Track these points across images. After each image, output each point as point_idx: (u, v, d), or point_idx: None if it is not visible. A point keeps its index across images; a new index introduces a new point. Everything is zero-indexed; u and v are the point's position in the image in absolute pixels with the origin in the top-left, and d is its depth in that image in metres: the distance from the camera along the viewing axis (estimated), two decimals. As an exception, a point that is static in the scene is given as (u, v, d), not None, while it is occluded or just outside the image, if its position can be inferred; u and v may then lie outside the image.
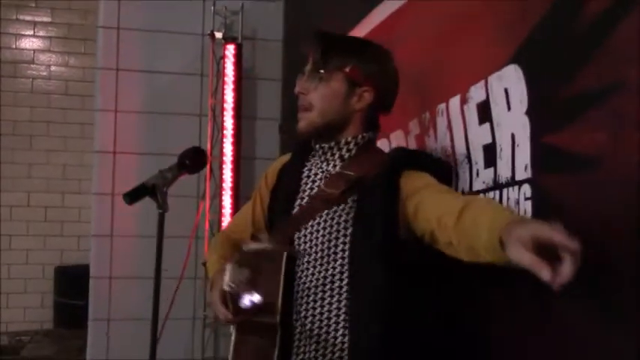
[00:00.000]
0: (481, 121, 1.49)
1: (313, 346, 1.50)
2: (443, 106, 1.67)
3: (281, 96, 3.74)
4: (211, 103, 3.56)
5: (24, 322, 5.70)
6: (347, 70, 1.51)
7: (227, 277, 1.48)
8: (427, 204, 1.36)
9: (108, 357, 3.54)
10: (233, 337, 1.63)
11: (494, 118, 1.43)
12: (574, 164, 1.18)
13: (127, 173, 3.58)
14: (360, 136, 1.55)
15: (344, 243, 1.47)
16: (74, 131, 5.82)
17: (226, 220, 3.50)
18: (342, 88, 1.52)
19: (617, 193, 1.07)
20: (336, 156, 1.55)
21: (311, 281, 1.51)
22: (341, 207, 1.50)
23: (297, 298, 1.53)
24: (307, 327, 1.51)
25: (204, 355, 3.63)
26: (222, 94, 3.52)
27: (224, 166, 3.50)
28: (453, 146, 1.64)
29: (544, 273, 0.93)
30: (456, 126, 1.61)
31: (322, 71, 1.51)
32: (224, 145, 3.51)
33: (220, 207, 3.54)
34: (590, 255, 0.94)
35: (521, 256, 0.96)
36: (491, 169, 1.44)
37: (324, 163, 1.58)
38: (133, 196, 1.92)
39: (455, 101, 1.61)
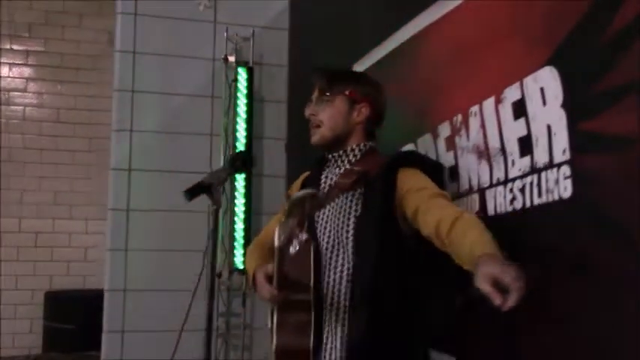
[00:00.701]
0: (516, 117, 1.73)
1: (329, 312, 1.85)
2: (476, 107, 1.92)
3: (287, 117, 3.98)
4: (224, 123, 3.77)
5: (13, 347, 5.72)
6: (347, 92, 1.93)
7: (276, 241, 1.67)
8: (426, 210, 1.72)
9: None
10: (275, 318, 1.93)
11: (530, 113, 1.67)
12: (609, 145, 1.42)
13: (142, 189, 3.74)
14: (362, 144, 1.95)
15: (352, 222, 1.84)
16: (65, 158, 5.93)
17: (239, 233, 3.69)
18: (344, 106, 1.94)
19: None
20: (345, 161, 1.95)
21: (326, 254, 1.87)
22: (351, 194, 1.88)
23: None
24: (326, 294, 1.86)
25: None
26: (234, 115, 3.73)
27: (237, 181, 3.70)
28: (486, 142, 1.87)
29: (496, 301, 1.32)
30: (490, 124, 1.85)
31: (328, 94, 1.93)
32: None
33: (231, 220, 3.72)
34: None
35: (483, 286, 1.35)
36: (528, 157, 1.68)
37: (337, 169, 1.96)
38: (192, 193, 2.11)
39: (489, 102, 1.85)
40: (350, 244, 1.84)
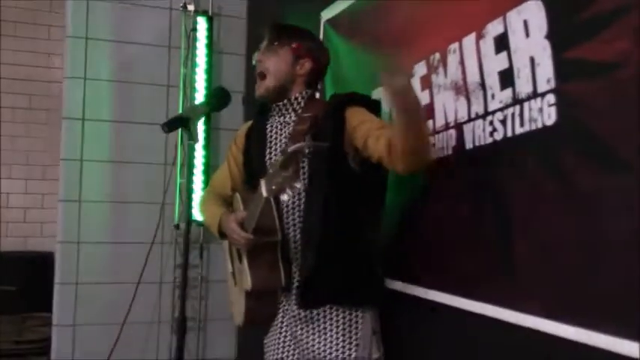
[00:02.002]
0: (498, 52, 1.77)
1: (292, 248, 2.04)
2: (455, 45, 1.95)
3: (245, 70, 3.94)
4: (183, 74, 3.70)
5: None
6: (293, 45, 2.10)
7: (264, 187, 1.70)
8: (376, 138, 1.88)
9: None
10: (245, 262, 2.03)
11: (512, 46, 1.72)
12: (594, 71, 1.47)
13: (96, 140, 3.65)
14: (304, 92, 2.12)
15: (306, 162, 1.98)
16: (5, 115, 5.70)
17: (197, 185, 3.65)
18: (289, 58, 2.10)
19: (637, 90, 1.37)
20: (290, 109, 2.11)
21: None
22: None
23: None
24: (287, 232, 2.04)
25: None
26: (192, 66, 3.67)
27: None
28: (465, 78, 1.91)
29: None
30: (470, 60, 1.89)
31: (276, 43, 2.10)
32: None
33: (189, 172, 3.67)
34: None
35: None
36: (509, 90, 1.72)
37: (281, 118, 2.12)
38: (170, 126, 2.09)
39: (469, 39, 1.88)
40: (305, 181, 1.99)
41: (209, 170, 3.69)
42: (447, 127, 2.00)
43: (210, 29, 3.68)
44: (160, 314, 3.73)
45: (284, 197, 1.69)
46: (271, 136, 2.13)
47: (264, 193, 1.72)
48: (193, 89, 3.67)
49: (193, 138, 2.06)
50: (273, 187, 1.67)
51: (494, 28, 1.79)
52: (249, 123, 2.30)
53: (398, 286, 2.18)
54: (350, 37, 2.64)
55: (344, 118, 2.00)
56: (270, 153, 2.12)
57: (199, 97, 3.67)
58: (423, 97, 2.11)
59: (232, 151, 2.31)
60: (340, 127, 1.99)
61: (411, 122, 1.74)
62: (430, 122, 2.08)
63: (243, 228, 2.00)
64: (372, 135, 1.90)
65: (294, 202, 2.03)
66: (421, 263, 2.11)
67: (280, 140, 2.11)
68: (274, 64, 2.09)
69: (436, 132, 2.05)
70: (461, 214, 1.91)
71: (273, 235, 2.00)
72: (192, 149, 2.07)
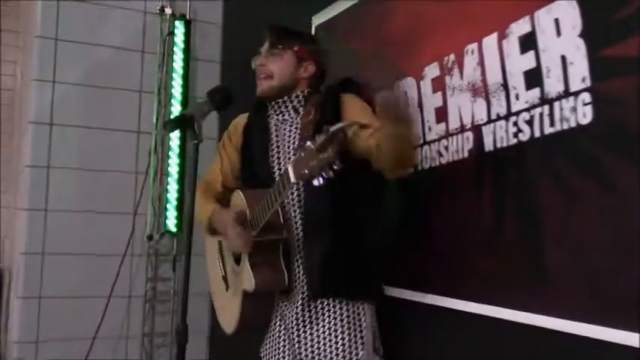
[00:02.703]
0: (523, 51, 1.75)
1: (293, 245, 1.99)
2: (473, 45, 1.92)
3: (220, 78, 3.83)
4: (158, 79, 3.57)
5: None
6: (295, 48, 2.09)
7: (292, 172, 1.61)
8: (366, 132, 1.85)
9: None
10: (247, 261, 1.96)
11: (540, 45, 1.69)
12: (636, 67, 1.45)
13: (64, 146, 3.47)
14: (306, 91, 2.09)
15: None
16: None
17: (172, 194, 3.51)
18: (292, 61, 2.09)
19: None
20: (289, 107, 2.09)
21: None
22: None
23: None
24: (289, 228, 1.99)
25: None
26: (169, 71, 3.55)
27: (170, 141, 3.52)
28: (484, 79, 1.88)
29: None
30: (490, 60, 1.86)
31: (280, 47, 2.09)
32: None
33: (162, 181, 3.55)
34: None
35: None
36: (536, 89, 1.70)
37: (280, 115, 2.10)
38: (173, 125, 1.99)
39: (490, 39, 1.85)
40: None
41: (183, 180, 3.56)
42: (462, 129, 1.96)
43: (187, 34, 3.57)
44: (128, 329, 3.55)
45: (315, 182, 1.59)
46: (272, 133, 2.11)
47: (292, 178, 1.63)
48: (170, 95, 3.55)
49: (198, 137, 1.96)
50: (306, 171, 1.57)
51: (519, 28, 1.76)
52: (244, 119, 2.25)
53: (416, 296, 2.11)
54: (347, 41, 2.58)
55: (340, 104, 2.00)
56: (274, 150, 2.09)
57: (175, 104, 3.54)
58: (436, 100, 2.07)
59: (226, 148, 2.27)
60: (338, 112, 1.98)
61: (400, 135, 1.73)
62: (443, 125, 2.04)
63: (244, 226, 1.94)
64: (364, 130, 1.87)
65: (292, 196, 1.99)
66: (438, 271, 2.04)
67: (284, 137, 2.08)
68: (279, 68, 2.08)
69: (449, 134, 2.01)
70: (481, 218, 1.87)
71: (278, 232, 1.95)
72: (194, 148, 1.94)
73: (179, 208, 3.51)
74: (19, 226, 3.50)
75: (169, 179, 3.52)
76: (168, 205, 3.52)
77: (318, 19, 2.80)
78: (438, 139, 2.06)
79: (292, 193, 2.00)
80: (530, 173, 1.72)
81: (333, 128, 1.51)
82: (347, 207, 1.99)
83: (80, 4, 3.53)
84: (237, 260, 2.07)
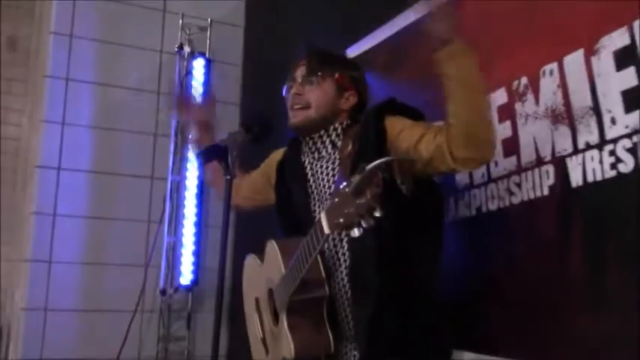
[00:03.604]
0: (620, 68, 1.50)
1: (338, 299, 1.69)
2: (552, 65, 1.67)
3: (239, 119, 3.60)
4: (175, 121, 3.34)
5: None
6: (336, 76, 1.80)
7: (325, 221, 1.34)
8: (431, 136, 1.55)
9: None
10: (285, 323, 1.67)
11: (643, 60, 1.44)
12: None
13: (72, 192, 3.21)
14: (345, 122, 1.80)
15: None
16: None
17: (188, 244, 3.23)
18: (333, 90, 1.80)
19: None
20: (327, 142, 1.79)
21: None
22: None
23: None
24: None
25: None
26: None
27: (187, 182, 3.27)
28: (567, 103, 1.63)
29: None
30: (575, 81, 1.60)
31: (320, 73, 1.79)
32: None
33: (177, 230, 3.27)
34: None
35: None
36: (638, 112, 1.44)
37: (315, 153, 1.81)
38: (207, 156, 1.74)
39: (575, 56, 1.60)
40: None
41: (200, 227, 3.28)
42: (538, 162, 1.70)
43: (207, 73, 3.34)
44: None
45: (354, 233, 1.30)
46: (307, 173, 1.82)
47: (326, 230, 1.35)
48: (187, 138, 3.30)
49: (230, 172, 1.69)
50: (341, 221, 1.29)
51: (612, 42, 1.51)
52: (279, 154, 2.00)
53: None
54: (388, 72, 2.35)
55: (384, 128, 1.65)
56: (312, 192, 1.80)
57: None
58: (504, 130, 1.81)
59: (264, 169, 2.08)
60: (382, 139, 1.63)
61: (469, 91, 1.46)
62: (513, 158, 1.77)
63: (277, 287, 1.70)
64: (428, 133, 1.56)
65: (334, 245, 1.69)
66: (514, 331, 1.75)
67: (321, 175, 1.79)
68: (317, 97, 1.78)
69: (522, 169, 1.74)
70: (570, 270, 1.58)
71: (319, 289, 1.65)
72: (227, 184, 1.68)
73: (195, 258, 3.21)
74: (21, 279, 3.21)
75: (185, 227, 3.24)
76: (182, 258, 3.22)
77: (353, 51, 2.58)
78: (508, 175, 1.80)
79: (334, 239, 1.70)
80: (635, 212, 1.44)
81: (370, 166, 1.24)
82: (403, 248, 1.63)
83: (92, 43, 3.33)
84: (276, 318, 1.77)
